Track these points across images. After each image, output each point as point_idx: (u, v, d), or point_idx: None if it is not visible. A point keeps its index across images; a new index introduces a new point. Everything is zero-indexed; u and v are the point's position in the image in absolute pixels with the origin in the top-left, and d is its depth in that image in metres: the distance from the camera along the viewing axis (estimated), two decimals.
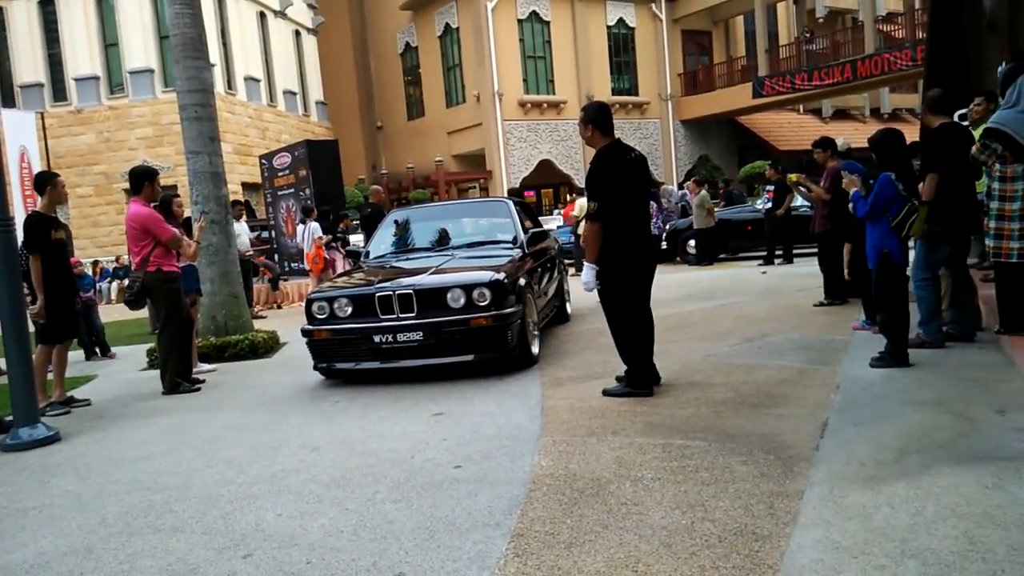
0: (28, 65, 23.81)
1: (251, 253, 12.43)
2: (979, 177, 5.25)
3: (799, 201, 11.32)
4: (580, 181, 24.76)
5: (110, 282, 21.07)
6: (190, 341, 6.68)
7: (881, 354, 4.82)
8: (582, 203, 15.15)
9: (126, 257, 15.16)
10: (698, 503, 2.89)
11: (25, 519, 3.42)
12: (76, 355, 8.06)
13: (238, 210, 11.59)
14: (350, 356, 5.70)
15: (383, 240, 7.38)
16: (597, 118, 4.63)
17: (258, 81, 26.37)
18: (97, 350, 8.95)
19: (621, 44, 28.37)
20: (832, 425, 3.72)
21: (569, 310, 8.32)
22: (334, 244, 11.81)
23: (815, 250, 7.94)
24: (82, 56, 23.55)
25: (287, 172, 15.61)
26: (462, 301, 5.45)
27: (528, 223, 7.58)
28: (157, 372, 6.46)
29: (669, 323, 6.95)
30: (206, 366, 7.10)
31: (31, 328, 5.27)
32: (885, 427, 3.60)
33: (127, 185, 6.74)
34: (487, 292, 5.43)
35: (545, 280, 7.05)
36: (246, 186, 23.81)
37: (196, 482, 3.72)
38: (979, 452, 3.17)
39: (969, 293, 5.35)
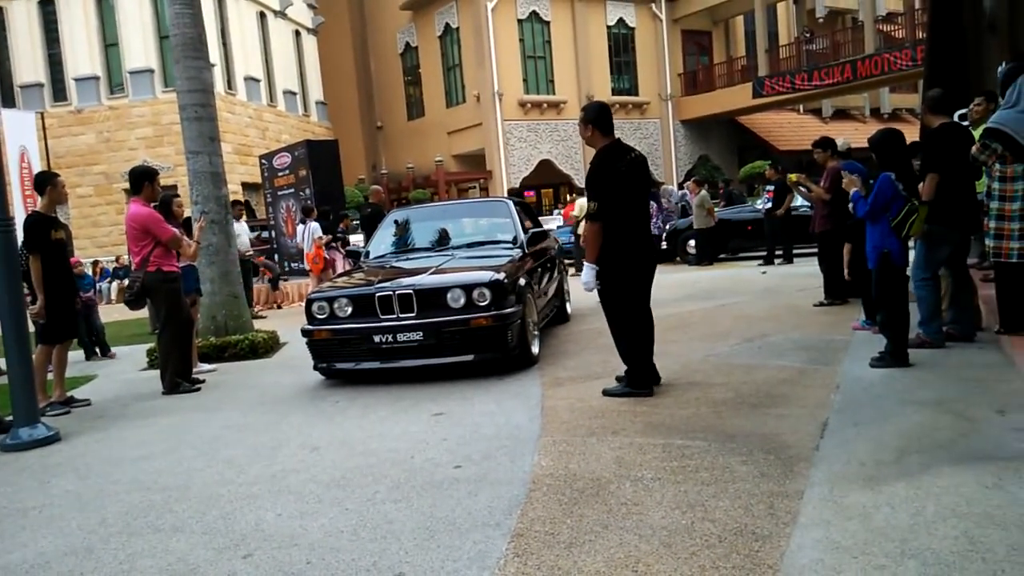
0: (28, 65, 23.81)
1: (251, 253, 12.44)
2: (979, 177, 5.25)
3: (799, 201, 11.33)
4: (580, 181, 24.76)
5: (110, 282, 21.08)
6: (190, 341, 6.68)
7: (881, 354, 4.82)
8: (582, 203, 15.14)
9: (126, 257, 15.16)
10: (698, 503, 2.89)
11: (25, 519, 3.42)
12: (76, 355, 8.06)
13: (238, 210, 11.58)
14: (350, 356, 5.70)
15: (383, 240, 7.38)
16: (597, 118, 4.62)
17: (258, 81, 26.37)
18: (97, 350, 8.96)
19: (621, 44, 28.37)
20: (832, 425, 3.72)
21: (569, 310, 8.32)
22: (334, 244, 11.81)
23: (815, 250, 7.94)
24: (82, 56, 23.55)
25: (287, 172, 15.62)
26: (462, 301, 5.45)
27: (528, 223, 7.58)
28: (157, 372, 6.46)
29: (669, 323, 6.95)
30: (206, 366, 7.10)
31: (31, 328, 5.27)
32: (885, 427, 3.60)
33: (127, 185, 6.74)
34: (487, 292, 5.43)
35: (545, 280, 7.05)
36: (246, 186, 23.81)
37: (196, 482, 3.72)
38: (979, 452, 3.17)
39: (969, 293, 5.35)
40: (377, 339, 5.53)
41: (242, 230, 11.46)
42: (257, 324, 9.08)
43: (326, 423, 4.68)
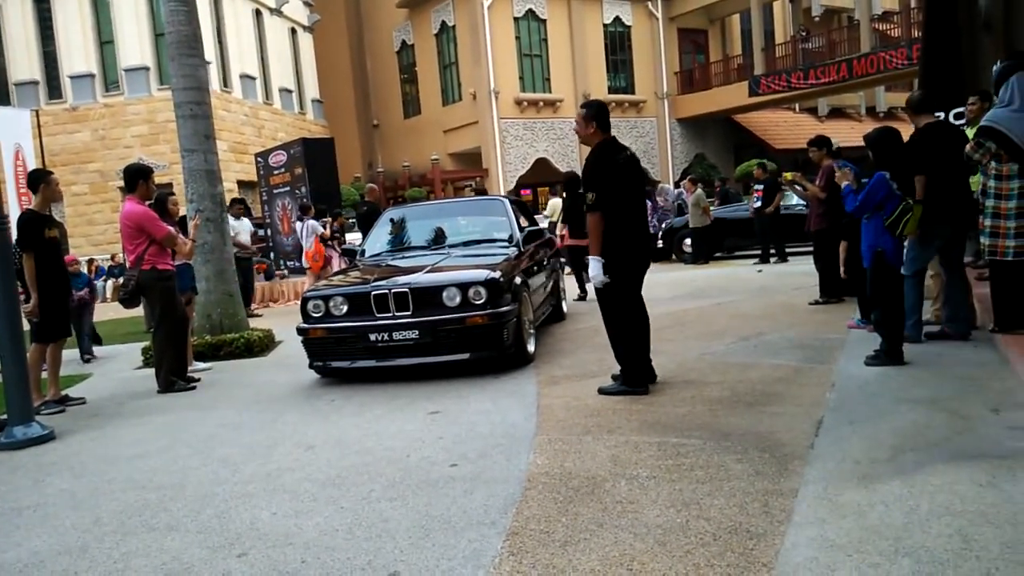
0: (23, 62, 23.70)
1: (252, 250, 12.37)
2: (973, 173, 5.27)
3: (794, 200, 11.34)
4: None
5: (105, 280, 21.02)
6: (185, 339, 6.66)
7: (876, 352, 4.83)
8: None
9: (121, 255, 15.12)
10: (693, 501, 2.89)
11: (19, 518, 3.41)
12: (71, 353, 8.03)
13: (239, 208, 11.53)
14: (346, 354, 5.69)
15: (379, 238, 7.37)
16: (598, 115, 4.67)
17: (254, 79, 26.30)
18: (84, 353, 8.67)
19: (617, 42, 28.35)
20: (827, 423, 3.73)
21: (565, 308, 8.32)
22: (331, 242, 11.79)
23: (810, 249, 7.95)
24: (77, 53, 23.46)
25: (283, 170, 15.61)
26: (458, 299, 5.45)
27: (524, 221, 7.58)
28: (152, 370, 6.45)
29: (665, 321, 6.96)
30: (201, 364, 7.09)
31: (25, 327, 5.26)
32: (880, 425, 3.61)
33: (122, 183, 6.70)
34: (483, 290, 5.43)
35: (541, 278, 7.05)
36: (242, 184, 23.74)
37: (191, 481, 3.72)
38: (973, 450, 3.18)
39: (964, 292, 5.36)
40: (373, 337, 5.53)
41: (244, 228, 11.40)
42: (252, 322, 9.06)
43: (321, 422, 4.67)
